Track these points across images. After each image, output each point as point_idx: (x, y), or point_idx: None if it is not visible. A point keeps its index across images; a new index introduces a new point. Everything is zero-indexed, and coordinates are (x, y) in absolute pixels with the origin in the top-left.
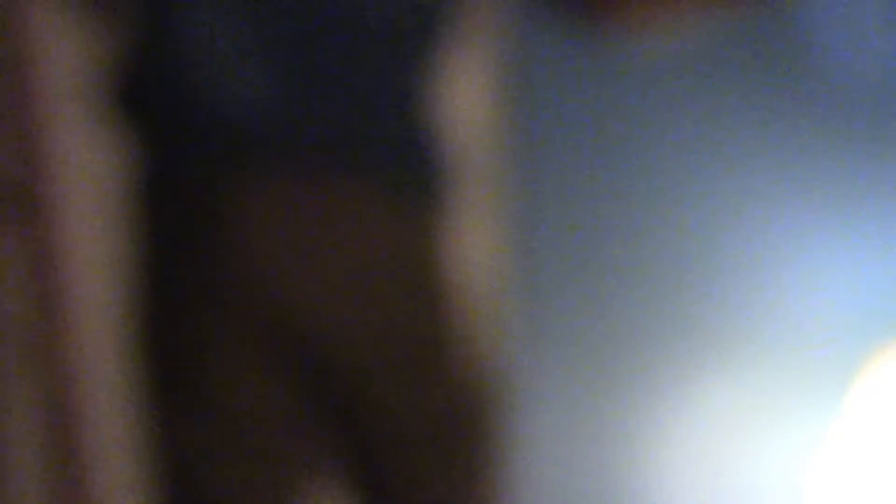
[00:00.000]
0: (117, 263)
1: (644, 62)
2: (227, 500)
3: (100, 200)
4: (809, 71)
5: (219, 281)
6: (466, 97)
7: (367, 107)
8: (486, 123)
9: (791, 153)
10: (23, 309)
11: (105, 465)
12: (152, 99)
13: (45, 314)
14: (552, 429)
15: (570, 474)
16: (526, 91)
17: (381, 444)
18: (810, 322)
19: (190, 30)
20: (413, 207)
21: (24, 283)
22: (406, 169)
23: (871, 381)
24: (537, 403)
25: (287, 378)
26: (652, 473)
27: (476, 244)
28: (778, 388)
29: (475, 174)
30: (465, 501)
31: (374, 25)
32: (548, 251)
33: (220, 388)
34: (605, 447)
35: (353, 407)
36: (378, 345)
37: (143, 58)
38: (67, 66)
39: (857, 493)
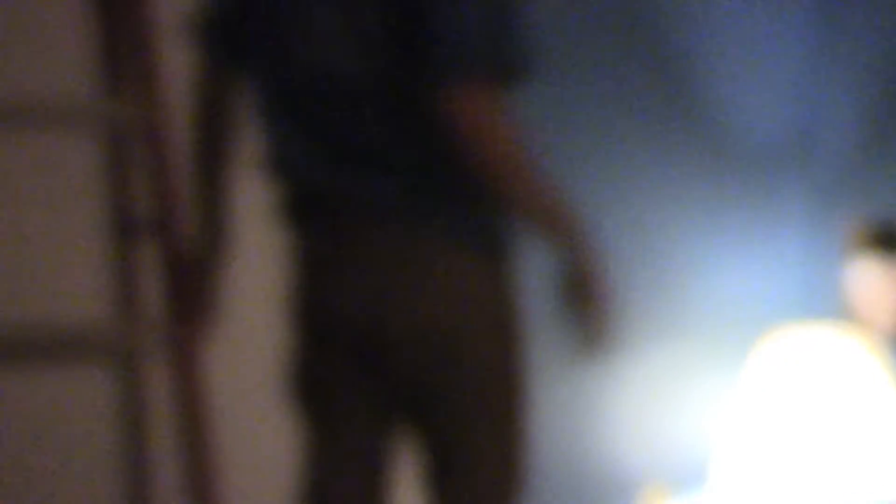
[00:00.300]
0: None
1: None
2: (338, 490)
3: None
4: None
5: (330, 315)
6: None
7: (452, 186)
8: None
9: (699, 184)
10: (161, 312)
11: (242, 469)
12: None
13: (181, 316)
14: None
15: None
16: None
17: (454, 435)
18: (719, 308)
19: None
20: (484, 259)
21: (162, 287)
22: (483, 231)
23: (763, 354)
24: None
25: (385, 394)
26: (601, 421)
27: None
28: (693, 358)
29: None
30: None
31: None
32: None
33: (333, 404)
34: (567, 401)
35: (437, 413)
36: (457, 366)
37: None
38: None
39: (753, 439)
